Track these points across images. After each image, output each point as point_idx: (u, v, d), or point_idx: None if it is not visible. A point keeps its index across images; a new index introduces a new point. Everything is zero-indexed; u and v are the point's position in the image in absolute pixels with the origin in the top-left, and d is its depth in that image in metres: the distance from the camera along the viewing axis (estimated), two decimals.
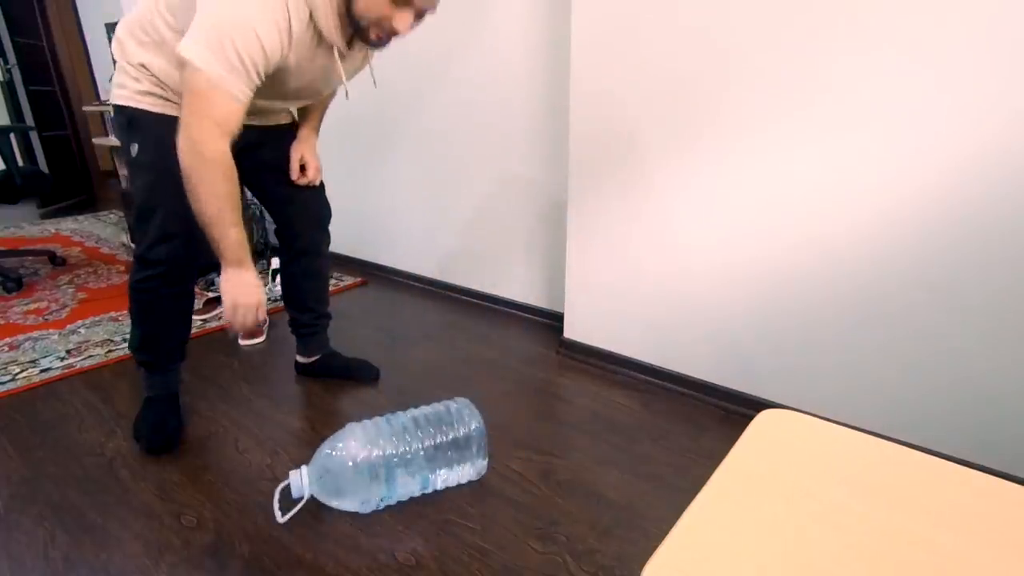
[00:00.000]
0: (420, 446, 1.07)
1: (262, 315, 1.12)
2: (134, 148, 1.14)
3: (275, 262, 2.38)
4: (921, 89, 1.03)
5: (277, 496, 1.08)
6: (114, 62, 1.17)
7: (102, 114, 3.74)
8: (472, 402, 1.17)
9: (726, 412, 1.42)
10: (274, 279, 2.32)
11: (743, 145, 1.26)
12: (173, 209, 1.12)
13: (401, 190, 2.30)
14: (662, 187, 1.41)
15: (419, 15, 1.04)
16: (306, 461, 1.24)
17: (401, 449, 1.05)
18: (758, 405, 1.05)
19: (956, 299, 1.08)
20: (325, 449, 1.06)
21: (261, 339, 1.84)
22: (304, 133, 1.37)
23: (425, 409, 1.14)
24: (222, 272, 1.08)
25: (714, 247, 1.37)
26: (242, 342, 1.81)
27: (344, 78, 1.13)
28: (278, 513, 1.05)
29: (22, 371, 1.64)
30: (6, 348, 1.80)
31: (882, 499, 0.45)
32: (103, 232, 3.41)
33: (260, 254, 2.62)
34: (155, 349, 1.30)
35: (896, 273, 1.13)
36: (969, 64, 0.98)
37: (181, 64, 0.95)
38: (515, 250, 2.00)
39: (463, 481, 1.14)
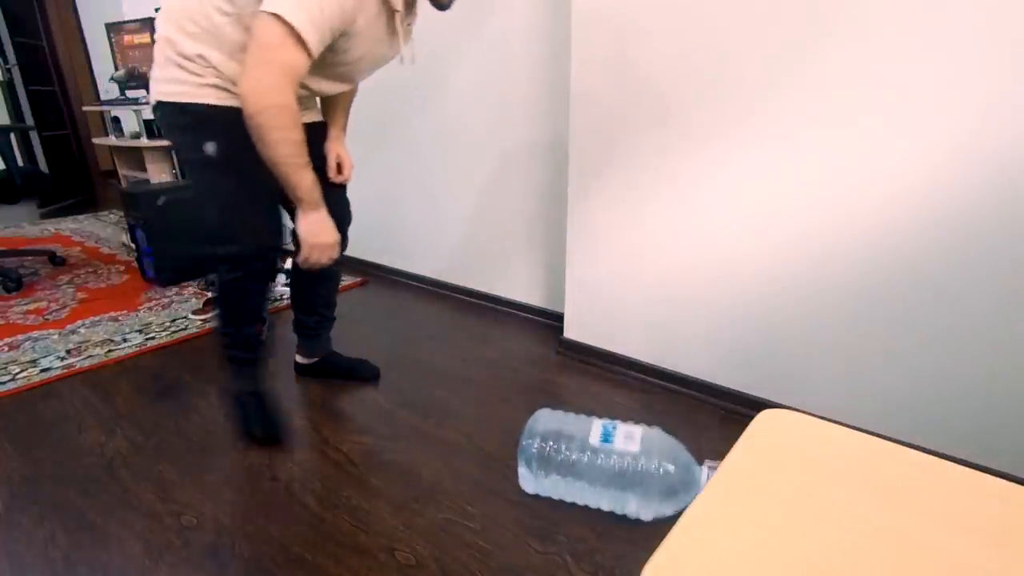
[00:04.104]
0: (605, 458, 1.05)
1: (336, 253, 1.17)
2: (209, 147, 1.10)
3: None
4: (921, 87, 1.03)
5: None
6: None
7: (102, 114, 3.74)
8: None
9: (726, 412, 1.42)
10: (274, 279, 2.32)
11: (742, 145, 1.26)
12: (266, 204, 1.15)
13: (401, 190, 2.30)
14: (661, 187, 1.41)
15: None
16: (306, 461, 1.25)
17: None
18: (758, 405, 1.05)
19: (957, 299, 1.08)
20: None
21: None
22: (335, 132, 1.38)
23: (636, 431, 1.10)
24: (300, 214, 1.10)
25: (714, 247, 1.37)
26: None
27: (403, 45, 1.13)
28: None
29: (22, 371, 1.64)
30: (6, 348, 1.80)
31: (882, 499, 0.45)
32: (103, 232, 3.41)
33: None
34: (250, 344, 1.32)
35: (897, 273, 1.13)
36: (969, 62, 0.98)
37: (260, 16, 0.94)
38: (515, 250, 1.99)
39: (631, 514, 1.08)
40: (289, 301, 2.16)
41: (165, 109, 1.11)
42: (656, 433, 1.08)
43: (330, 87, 1.21)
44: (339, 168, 1.37)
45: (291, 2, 0.93)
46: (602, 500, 1.07)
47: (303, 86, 1.13)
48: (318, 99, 1.33)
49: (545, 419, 1.14)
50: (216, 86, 1.08)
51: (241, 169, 1.09)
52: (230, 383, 1.37)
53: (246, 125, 0.98)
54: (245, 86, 0.96)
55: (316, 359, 1.57)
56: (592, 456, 1.05)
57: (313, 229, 1.11)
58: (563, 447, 1.07)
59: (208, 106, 1.08)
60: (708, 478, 1.03)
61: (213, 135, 1.10)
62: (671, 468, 1.02)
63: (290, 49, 0.95)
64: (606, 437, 1.06)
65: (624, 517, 1.07)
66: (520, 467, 1.11)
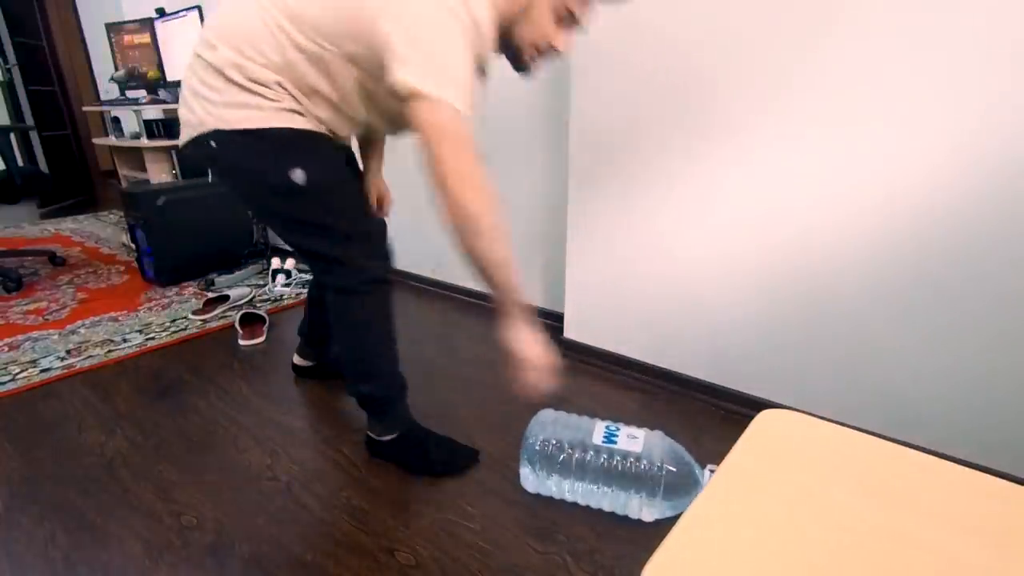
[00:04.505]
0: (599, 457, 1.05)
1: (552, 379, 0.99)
2: (297, 174, 0.99)
3: (275, 262, 2.38)
4: (920, 87, 1.03)
5: None
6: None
7: (102, 114, 3.74)
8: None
9: (726, 412, 1.42)
10: (274, 279, 2.32)
11: (742, 145, 1.26)
12: (374, 220, 1.07)
13: (401, 190, 2.30)
14: (661, 188, 1.41)
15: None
16: (306, 461, 1.25)
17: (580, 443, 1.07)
18: (758, 405, 1.05)
19: (957, 298, 1.08)
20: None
21: (261, 339, 1.84)
22: (375, 166, 1.36)
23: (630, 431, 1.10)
24: (514, 324, 0.96)
25: (713, 247, 1.37)
26: (242, 342, 1.81)
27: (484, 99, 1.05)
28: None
29: (22, 371, 1.64)
30: (6, 348, 1.80)
31: (882, 499, 0.45)
32: (103, 232, 3.41)
33: (260, 254, 2.62)
34: (393, 376, 1.20)
35: (897, 273, 1.13)
36: (970, 61, 0.98)
37: (408, 96, 0.86)
38: (515, 250, 1.99)
39: (631, 515, 1.07)
40: (289, 302, 2.17)
41: (227, 138, 0.98)
42: (658, 435, 1.08)
43: (395, 130, 1.12)
44: (379, 203, 1.36)
45: (445, 78, 0.86)
46: (603, 500, 1.07)
47: (370, 126, 1.08)
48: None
49: (548, 419, 1.14)
50: (295, 110, 0.99)
51: (343, 191, 1.05)
52: (382, 431, 1.22)
53: (450, 220, 0.90)
54: (452, 181, 0.87)
55: (315, 363, 1.57)
56: (595, 456, 1.05)
57: (533, 346, 0.96)
58: (566, 447, 1.07)
59: (290, 129, 0.98)
60: (691, 466, 1.04)
61: (302, 160, 0.99)
62: (673, 470, 1.02)
63: (463, 124, 0.87)
64: (609, 438, 1.07)
65: (625, 517, 1.07)
66: (522, 466, 1.11)
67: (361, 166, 1.38)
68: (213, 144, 1.00)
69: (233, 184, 1.09)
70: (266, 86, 0.96)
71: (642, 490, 1.03)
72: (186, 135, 1.04)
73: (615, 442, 1.06)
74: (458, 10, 0.87)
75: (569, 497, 1.10)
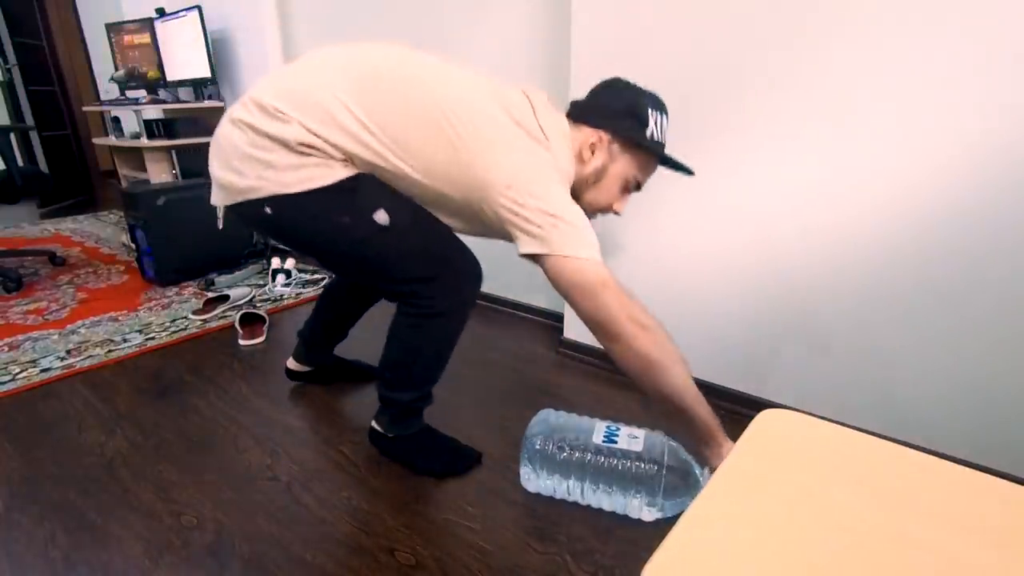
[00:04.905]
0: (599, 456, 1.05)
1: None
2: (380, 216, 0.98)
3: (275, 262, 2.38)
4: (923, 87, 1.03)
5: None
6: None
7: (102, 114, 3.74)
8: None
9: (726, 412, 1.41)
10: (274, 279, 2.32)
11: (742, 145, 1.26)
12: (459, 244, 1.08)
13: None
14: (660, 188, 1.41)
15: None
16: (306, 461, 1.25)
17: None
18: (758, 405, 1.05)
19: (959, 299, 1.08)
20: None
21: (261, 339, 1.84)
22: None
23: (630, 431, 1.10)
24: (722, 441, 0.96)
25: (713, 247, 1.37)
26: (242, 342, 1.81)
27: None
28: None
29: (22, 371, 1.64)
30: (6, 348, 1.80)
31: (882, 499, 0.45)
32: (103, 232, 3.41)
33: (260, 254, 2.62)
34: (429, 386, 1.22)
35: (898, 274, 1.13)
36: (976, 62, 0.98)
37: (542, 259, 0.93)
38: (515, 250, 1.99)
39: (631, 514, 1.07)
40: (289, 302, 2.17)
41: (290, 202, 0.95)
42: (659, 435, 1.08)
43: (468, 232, 1.12)
44: None
45: (580, 240, 0.92)
46: (604, 500, 1.07)
47: (452, 214, 1.06)
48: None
49: (548, 419, 1.14)
50: (351, 166, 0.97)
51: (419, 219, 1.03)
52: (394, 430, 1.22)
53: (631, 367, 0.94)
54: (629, 331, 0.90)
55: (312, 368, 1.55)
56: (595, 456, 1.05)
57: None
58: (566, 446, 1.07)
59: (356, 176, 0.97)
60: (694, 468, 1.04)
61: (378, 201, 0.99)
62: (674, 469, 1.02)
63: (610, 278, 0.93)
64: (609, 438, 1.07)
65: (625, 517, 1.07)
66: (522, 466, 1.11)
67: None
68: (268, 210, 0.97)
69: (302, 245, 1.06)
70: (318, 149, 0.94)
71: (642, 490, 1.03)
72: (228, 198, 1.01)
73: (616, 442, 1.06)
74: (556, 167, 0.95)
75: (569, 497, 1.10)
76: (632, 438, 1.06)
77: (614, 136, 1.03)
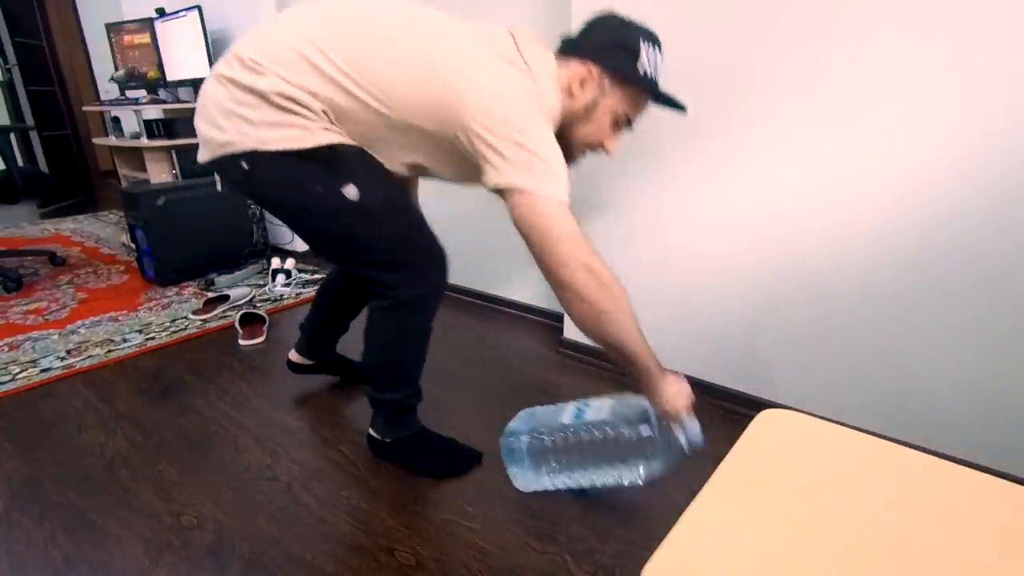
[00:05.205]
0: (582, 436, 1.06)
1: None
2: (350, 191, 0.97)
3: (275, 262, 2.38)
4: (923, 87, 1.03)
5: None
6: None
7: (102, 114, 3.74)
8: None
9: (726, 412, 1.41)
10: (274, 279, 2.32)
11: (742, 146, 1.26)
12: (428, 232, 1.06)
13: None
14: (660, 188, 1.41)
15: None
16: (306, 461, 1.25)
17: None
18: (758, 405, 1.05)
19: (959, 300, 1.08)
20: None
21: (261, 339, 1.84)
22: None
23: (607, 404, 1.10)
24: (659, 384, 0.97)
25: (713, 246, 1.37)
26: (242, 342, 1.81)
27: None
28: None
29: (22, 371, 1.64)
30: (6, 348, 1.80)
31: (882, 499, 0.45)
32: (103, 232, 3.41)
33: (260, 254, 2.62)
34: (417, 386, 1.22)
35: (899, 274, 1.13)
36: (977, 62, 0.98)
37: (514, 192, 0.89)
38: (515, 250, 1.99)
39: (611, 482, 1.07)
40: (289, 302, 2.17)
41: (266, 160, 0.94)
42: (626, 398, 1.08)
43: (453, 178, 1.11)
44: None
45: (549, 176, 0.89)
46: (595, 477, 1.07)
47: (432, 172, 1.07)
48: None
49: (522, 416, 1.15)
50: (333, 130, 0.96)
51: (396, 203, 1.03)
52: (388, 434, 1.22)
53: (576, 313, 0.92)
54: (577, 276, 0.88)
55: (314, 362, 1.55)
56: (570, 435, 1.05)
57: (677, 391, 0.97)
58: (543, 435, 1.07)
59: (339, 146, 0.95)
60: (655, 419, 1.02)
61: (352, 176, 0.97)
62: (644, 425, 1.02)
63: (570, 216, 0.90)
64: (578, 415, 1.07)
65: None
66: (509, 468, 1.12)
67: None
68: (245, 165, 0.97)
69: (273, 206, 1.06)
70: (311, 110, 0.93)
71: (623, 455, 1.03)
72: (209, 153, 1.01)
73: (584, 417, 1.06)
74: (539, 101, 0.91)
75: (562, 484, 1.10)
76: (599, 409, 1.07)
77: (604, 69, 1.00)
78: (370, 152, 1.01)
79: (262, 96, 0.93)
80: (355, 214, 0.99)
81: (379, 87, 0.93)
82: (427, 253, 1.07)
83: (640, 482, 1.04)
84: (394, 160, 1.02)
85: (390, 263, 1.04)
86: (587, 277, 0.89)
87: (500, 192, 0.91)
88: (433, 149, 1.00)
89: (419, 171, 1.07)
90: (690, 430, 0.98)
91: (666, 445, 1.01)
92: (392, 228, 1.03)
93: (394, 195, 1.04)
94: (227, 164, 0.99)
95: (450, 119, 0.92)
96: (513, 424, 1.13)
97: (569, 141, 1.01)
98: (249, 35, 1.00)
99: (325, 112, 0.94)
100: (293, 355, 1.53)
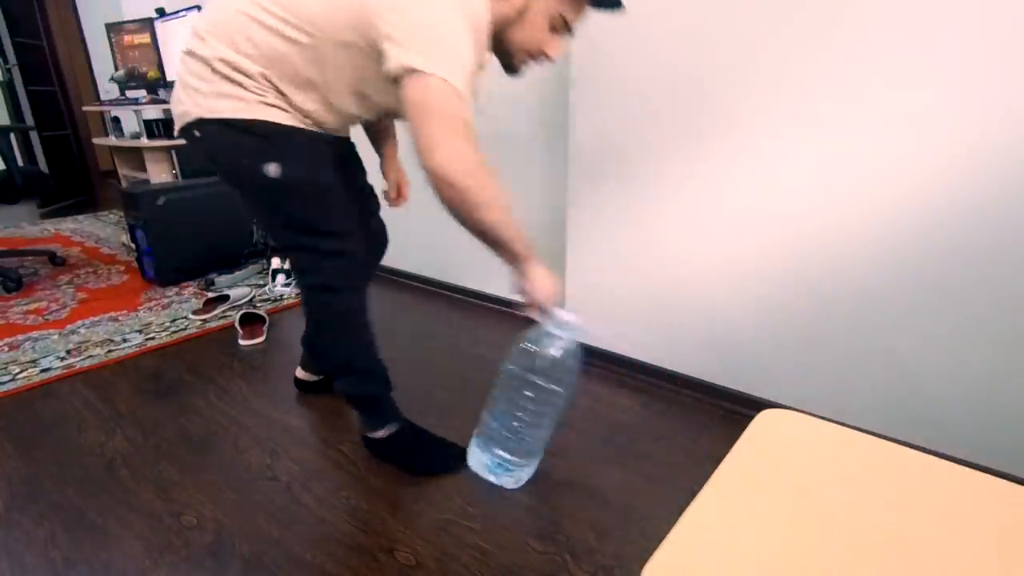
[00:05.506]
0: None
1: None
2: (271, 168, 0.99)
3: (275, 262, 2.38)
4: (924, 87, 1.03)
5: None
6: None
7: (102, 114, 3.74)
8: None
9: (726, 412, 1.41)
10: (274, 279, 2.32)
11: (742, 146, 1.26)
12: (343, 218, 1.08)
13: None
14: (660, 189, 1.41)
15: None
16: (306, 461, 1.25)
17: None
18: (758, 405, 1.05)
19: (959, 300, 1.08)
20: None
21: (261, 339, 1.84)
22: (390, 151, 1.34)
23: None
24: (527, 270, 0.99)
25: (713, 247, 1.37)
26: (242, 342, 1.81)
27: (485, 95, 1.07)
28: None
29: (22, 371, 1.64)
30: (6, 348, 1.80)
31: (882, 499, 0.45)
32: (103, 232, 3.41)
33: (260, 254, 2.62)
34: (376, 374, 1.21)
35: (898, 274, 1.13)
36: (977, 62, 0.98)
37: (404, 74, 0.85)
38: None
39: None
40: (289, 302, 2.17)
41: (210, 127, 0.99)
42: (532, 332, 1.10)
43: (390, 121, 1.11)
44: (398, 188, 1.36)
45: (431, 55, 0.85)
46: (550, 422, 1.12)
47: (386, 111, 1.07)
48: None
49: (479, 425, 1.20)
50: (277, 105, 0.98)
51: (317, 187, 1.04)
52: (375, 428, 1.22)
53: (444, 197, 0.90)
54: (440, 156, 0.85)
55: (320, 377, 1.52)
56: (503, 401, 1.11)
57: (543, 284, 0.99)
58: (491, 422, 1.13)
59: (271, 123, 0.98)
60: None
61: (279, 154, 0.99)
62: (527, 344, 1.06)
63: (459, 101, 0.87)
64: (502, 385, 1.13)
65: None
66: (490, 477, 1.15)
67: (376, 152, 1.38)
68: (197, 133, 1.01)
69: (219, 172, 1.09)
70: (251, 77, 0.96)
71: (524, 376, 1.07)
72: (177, 125, 1.05)
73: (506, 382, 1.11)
74: (458, 2, 0.88)
75: (534, 453, 1.14)
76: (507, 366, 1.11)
77: None
78: (310, 128, 1.02)
79: (207, 63, 0.96)
80: (272, 191, 1.02)
81: (307, 19, 0.93)
82: (337, 239, 1.07)
83: (555, 387, 1.07)
84: (343, 98, 1.01)
85: (302, 245, 1.06)
86: (457, 160, 0.87)
87: (398, 81, 0.88)
88: (368, 72, 0.96)
89: (370, 105, 1.05)
90: (556, 316, 1.01)
91: (549, 342, 1.05)
92: (305, 210, 1.05)
93: (317, 178, 1.04)
94: (186, 133, 1.03)
95: (367, 23, 0.90)
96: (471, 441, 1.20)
97: (507, 48, 1.00)
98: (206, 8, 1.03)
99: (266, 77, 0.96)
100: (299, 372, 1.52)
